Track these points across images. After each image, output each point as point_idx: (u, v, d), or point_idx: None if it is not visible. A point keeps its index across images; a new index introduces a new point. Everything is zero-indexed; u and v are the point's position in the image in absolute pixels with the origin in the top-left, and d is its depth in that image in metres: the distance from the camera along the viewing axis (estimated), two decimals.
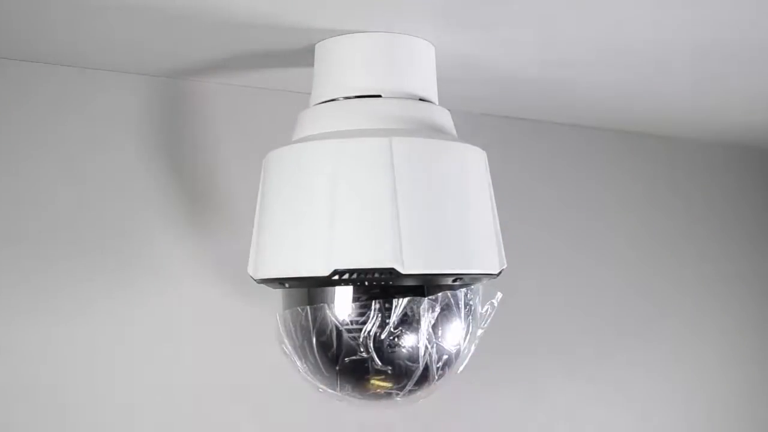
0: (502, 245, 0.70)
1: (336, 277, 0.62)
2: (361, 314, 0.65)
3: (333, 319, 0.66)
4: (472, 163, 0.68)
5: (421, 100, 0.69)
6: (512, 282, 1.02)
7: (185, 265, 0.84)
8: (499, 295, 0.71)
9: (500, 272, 0.69)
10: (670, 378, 1.20)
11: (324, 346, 0.66)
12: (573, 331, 1.11)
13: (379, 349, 0.65)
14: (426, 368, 0.67)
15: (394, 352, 0.65)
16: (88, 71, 0.81)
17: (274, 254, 0.66)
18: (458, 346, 0.69)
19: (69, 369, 0.78)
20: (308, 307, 0.67)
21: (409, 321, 0.66)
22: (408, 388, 0.68)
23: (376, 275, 0.61)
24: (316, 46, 0.72)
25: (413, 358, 0.66)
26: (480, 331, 0.71)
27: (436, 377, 0.68)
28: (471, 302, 0.70)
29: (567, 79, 0.88)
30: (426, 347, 0.66)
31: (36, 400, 0.76)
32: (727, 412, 1.26)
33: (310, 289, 0.67)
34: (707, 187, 1.29)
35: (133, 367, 0.81)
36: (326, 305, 0.66)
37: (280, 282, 0.66)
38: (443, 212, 0.64)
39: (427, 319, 0.65)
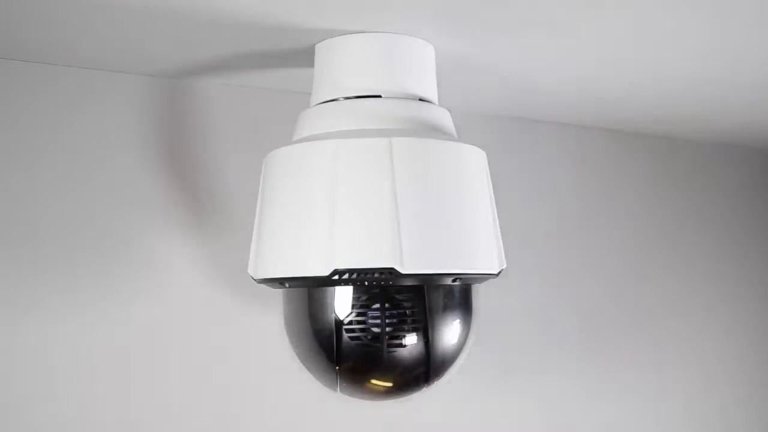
0: (501, 245, 0.70)
1: (336, 277, 0.62)
2: (361, 314, 0.65)
3: (333, 319, 0.66)
4: (472, 163, 0.68)
5: (421, 100, 0.69)
6: (512, 281, 1.03)
7: (185, 265, 0.84)
8: None
9: (500, 272, 0.69)
10: (669, 376, 1.20)
11: (324, 345, 0.66)
12: (573, 331, 1.11)
13: (379, 348, 0.65)
14: (426, 368, 0.67)
15: (394, 351, 0.65)
16: (88, 71, 0.81)
17: (274, 254, 0.66)
18: (458, 346, 0.69)
19: (68, 369, 0.78)
20: (308, 307, 0.67)
21: (408, 321, 0.66)
22: (408, 387, 0.68)
23: (376, 275, 0.61)
24: (317, 46, 0.72)
25: (413, 357, 0.66)
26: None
27: (436, 377, 0.68)
28: (471, 302, 0.70)
29: (566, 79, 0.88)
30: (426, 347, 0.66)
31: (34, 399, 0.76)
32: (729, 410, 1.26)
33: (310, 289, 0.67)
34: (708, 186, 1.29)
35: (132, 367, 0.81)
36: (326, 305, 0.66)
37: (280, 282, 0.67)
38: (443, 212, 0.64)
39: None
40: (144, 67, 0.81)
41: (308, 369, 0.70)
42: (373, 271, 0.61)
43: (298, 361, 0.71)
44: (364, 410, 0.93)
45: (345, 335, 0.65)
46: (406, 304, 0.65)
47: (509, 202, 1.04)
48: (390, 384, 0.68)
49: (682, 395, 1.21)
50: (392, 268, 0.61)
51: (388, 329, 0.65)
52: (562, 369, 1.10)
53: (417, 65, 0.71)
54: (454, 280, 0.65)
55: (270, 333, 0.86)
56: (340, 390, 0.68)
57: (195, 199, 0.85)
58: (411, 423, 0.97)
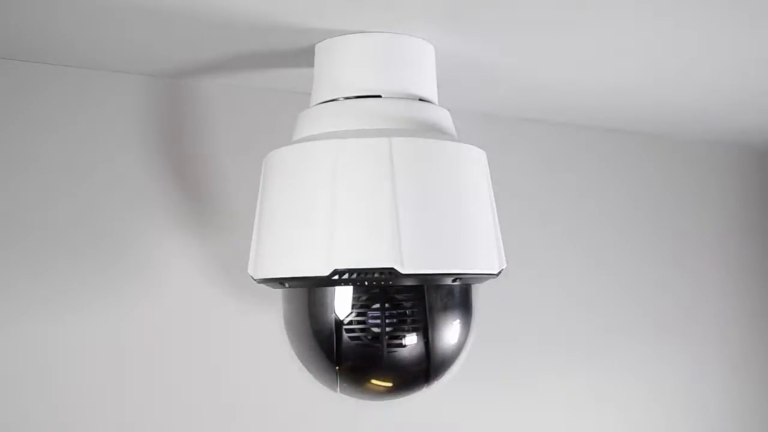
0: (501, 245, 0.70)
1: (336, 277, 0.62)
2: (361, 314, 0.65)
3: (333, 319, 0.66)
4: (472, 163, 0.68)
5: (420, 100, 0.69)
6: (511, 281, 1.03)
7: (185, 265, 0.84)
8: None
9: (500, 272, 0.69)
10: (669, 374, 1.20)
11: (324, 345, 0.66)
12: (572, 330, 1.11)
13: (379, 348, 0.65)
14: (426, 368, 0.67)
15: (394, 351, 0.65)
16: (88, 71, 0.81)
17: (274, 254, 0.66)
18: (458, 346, 0.69)
19: (67, 368, 0.78)
20: (308, 307, 0.67)
21: (408, 321, 0.66)
22: (407, 387, 0.68)
23: (376, 275, 0.61)
24: (316, 46, 0.72)
25: (413, 357, 0.66)
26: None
27: (436, 377, 0.68)
28: (471, 302, 0.70)
29: (566, 79, 0.88)
30: (426, 347, 0.66)
31: (33, 399, 0.76)
32: (724, 410, 1.27)
33: (310, 289, 0.67)
34: (709, 187, 1.29)
35: (131, 367, 0.81)
36: (326, 305, 0.66)
37: (280, 282, 0.66)
38: (443, 212, 0.64)
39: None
40: (144, 67, 0.81)
41: (308, 369, 0.70)
42: (373, 271, 0.61)
43: (298, 361, 0.71)
44: (364, 410, 0.93)
45: (345, 335, 0.65)
46: (406, 304, 0.65)
47: (509, 202, 1.04)
48: (390, 384, 0.68)
49: (683, 394, 1.21)
50: (392, 268, 0.61)
51: (388, 329, 0.65)
52: (562, 368, 1.10)
53: (417, 65, 0.71)
54: (454, 280, 0.65)
55: (270, 333, 0.86)
56: (340, 390, 0.68)
57: (195, 199, 0.85)
58: (411, 423, 0.97)
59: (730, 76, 0.87)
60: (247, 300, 0.86)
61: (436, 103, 0.72)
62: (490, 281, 0.71)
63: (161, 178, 0.84)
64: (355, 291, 0.65)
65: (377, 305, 0.65)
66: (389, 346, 0.65)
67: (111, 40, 0.72)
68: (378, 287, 0.65)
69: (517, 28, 0.70)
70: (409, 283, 0.64)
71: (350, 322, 0.65)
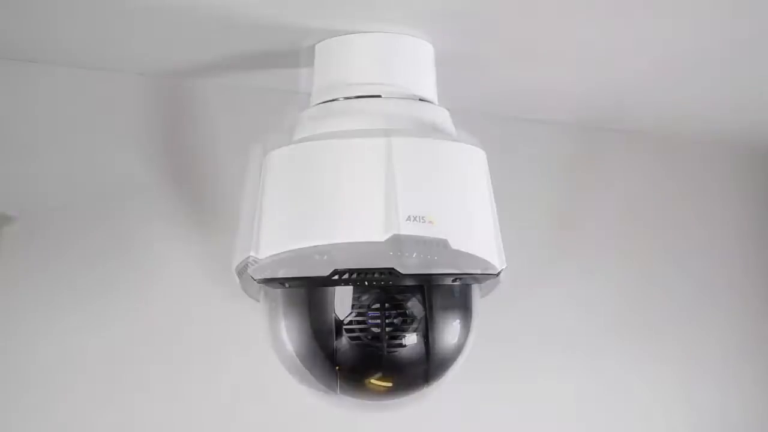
0: (501, 245, 0.70)
1: (336, 277, 0.62)
2: (361, 314, 0.65)
3: (333, 319, 0.66)
4: (472, 163, 0.68)
5: (420, 100, 0.69)
6: (512, 282, 1.03)
7: (185, 265, 0.84)
8: None
9: (500, 272, 0.69)
10: (666, 376, 1.20)
11: (324, 345, 0.66)
12: (572, 330, 1.11)
13: (379, 348, 0.65)
14: (426, 368, 0.67)
15: (394, 351, 0.65)
16: (88, 71, 0.81)
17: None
18: (458, 346, 0.69)
19: (66, 368, 0.78)
20: (308, 307, 0.67)
21: (408, 321, 0.66)
22: (407, 387, 0.68)
23: (376, 275, 0.62)
24: (316, 46, 0.72)
25: (413, 357, 0.66)
26: None
27: (436, 377, 0.68)
28: (471, 302, 0.70)
29: (566, 79, 0.88)
30: (426, 347, 0.66)
31: (31, 399, 0.76)
32: (725, 410, 1.26)
33: (310, 289, 0.67)
34: (709, 187, 1.28)
35: (131, 367, 0.81)
36: (326, 305, 0.66)
37: (280, 282, 0.66)
38: (443, 212, 0.64)
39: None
40: (144, 67, 0.81)
41: (308, 369, 0.70)
42: (373, 271, 0.61)
43: (298, 361, 0.71)
44: (363, 411, 0.93)
45: (345, 335, 0.65)
46: (406, 304, 0.66)
47: (509, 202, 1.04)
48: (390, 384, 0.68)
49: (683, 394, 1.21)
50: (392, 269, 0.61)
51: (388, 329, 0.65)
52: (562, 368, 1.10)
53: (417, 65, 0.71)
54: (454, 280, 0.65)
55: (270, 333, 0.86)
56: (340, 390, 0.68)
57: (195, 199, 0.85)
58: (411, 423, 0.97)
59: (732, 75, 0.87)
60: (247, 300, 0.86)
61: (436, 103, 0.72)
62: (490, 281, 0.71)
63: (161, 178, 0.84)
64: (355, 291, 0.65)
65: (377, 305, 0.65)
66: (389, 346, 0.65)
67: (111, 40, 0.72)
68: (378, 287, 0.65)
69: (516, 27, 0.70)
70: (409, 283, 0.64)
71: (350, 322, 0.65)
